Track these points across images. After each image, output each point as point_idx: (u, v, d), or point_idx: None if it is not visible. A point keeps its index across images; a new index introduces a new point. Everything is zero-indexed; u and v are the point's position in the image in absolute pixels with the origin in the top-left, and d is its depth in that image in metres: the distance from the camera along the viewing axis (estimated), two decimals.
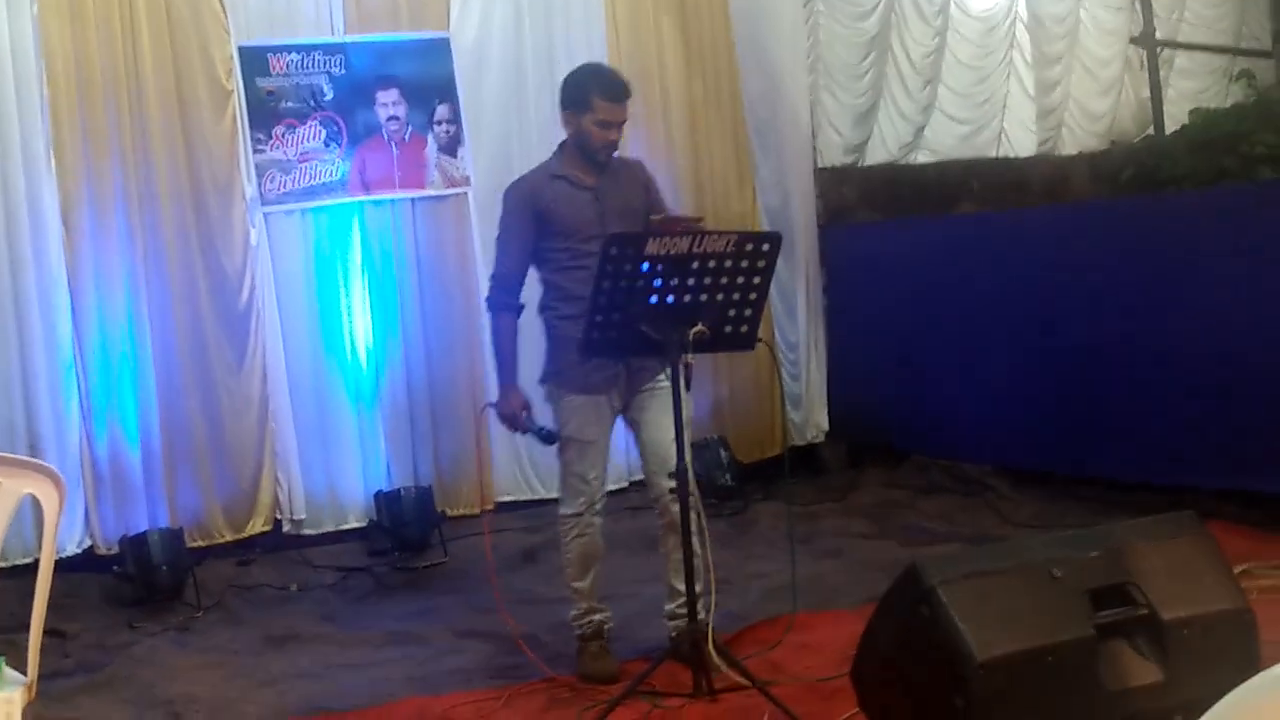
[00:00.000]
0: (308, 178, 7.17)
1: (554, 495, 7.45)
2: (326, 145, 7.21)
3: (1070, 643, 3.45)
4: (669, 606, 5.12)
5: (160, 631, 6.06)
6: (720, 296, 4.57)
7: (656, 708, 4.62)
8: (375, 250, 7.37)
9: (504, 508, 7.48)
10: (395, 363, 7.38)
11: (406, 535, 6.96)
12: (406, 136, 7.37)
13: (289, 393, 7.18)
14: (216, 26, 6.99)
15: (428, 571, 6.83)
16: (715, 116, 8.18)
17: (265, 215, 7.14)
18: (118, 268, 6.79)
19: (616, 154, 5.22)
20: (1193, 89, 10.54)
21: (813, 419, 8.39)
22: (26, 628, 3.28)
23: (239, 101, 7.05)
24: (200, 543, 6.89)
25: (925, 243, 8.13)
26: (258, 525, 7.09)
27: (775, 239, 4.72)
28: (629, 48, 7.82)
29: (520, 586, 6.29)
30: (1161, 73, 10.18)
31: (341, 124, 7.24)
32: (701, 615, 4.72)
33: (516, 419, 5.12)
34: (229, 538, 7.01)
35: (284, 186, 7.13)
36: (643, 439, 5.14)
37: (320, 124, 7.20)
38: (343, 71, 7.24)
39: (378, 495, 7.21)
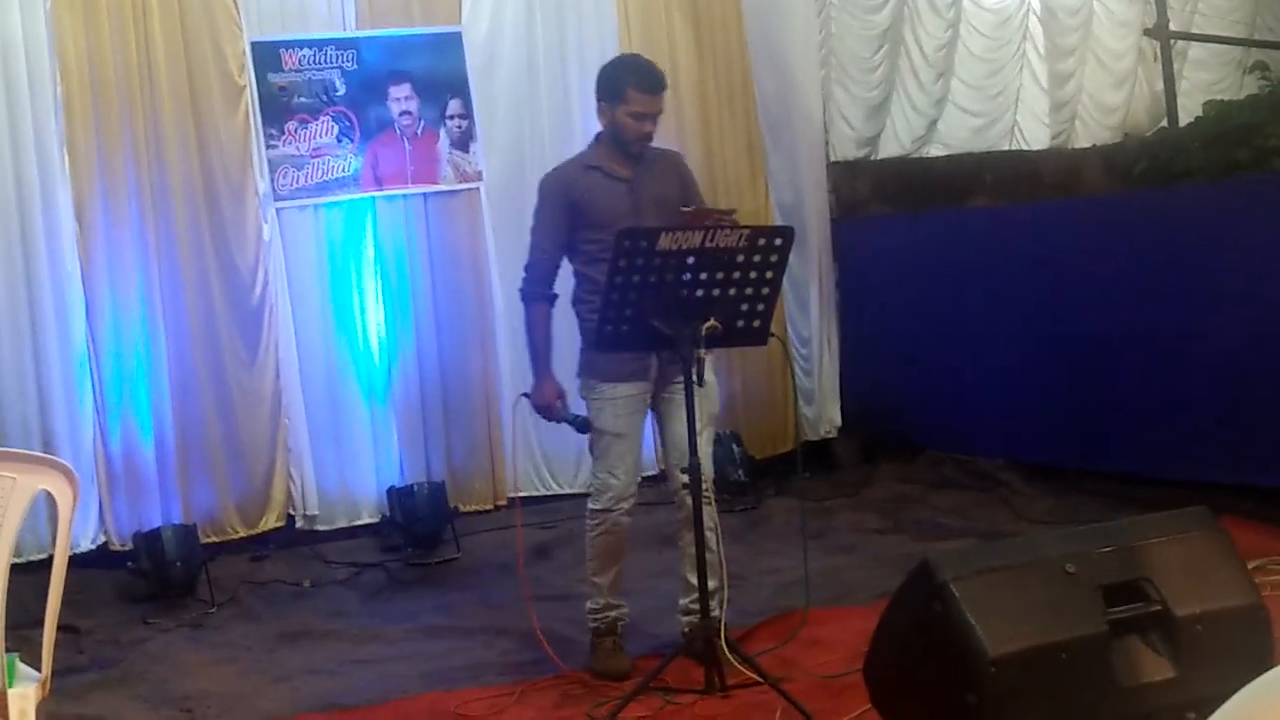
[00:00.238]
0: (320, 173, 7.18)
1: (567, 491, 7.56)
2: (339, 140, 7.22)
3: (1083, 639, 3.45)
4: (683, 601, 5.12)
5: (174, 627, 6.07)
6: (733, 291, 4.56)
7: (669, 704, 4.63)
8: (387, 245, 7.37)
9: (517, 503, 7.46)
10: (408, 358, 7.39)
11: (419, 531, 6.97)
12: (419, 131, 7.38)
13: (302, 388, 7.20)
14: (229, 22, 7.00)
15: (440, 567, 6.84)
16: (727, 111, 8.17)
17: (278, 211, 7.15)
18: (131, 263, 6.81)
19: (654, 145, 5.21)
20: (1206, 81, 10.49)
21: (825, 414, 8.38)
22: (40, 624, 3.28)
23: (251, 97, 7.06)
24: (214, 539, 6.91)
25: (938, 236, 8.12)
26: (271, 521, 7.12)
27: (788, 233, 4.71)
28: (641, 41, 7.80)
29: (533, 581, 6.28)
30: (1175, 65, 10.12)
31: (354, 119, 7.25)
32: (714, 611, 4.72)
33: (551, 408, 5.12)
34: (242, 534, 7.04)
35: (296, 182, 7.14)
36: (666, 430, 5.15)
37: (333, 119, 7.21)
38: (355, 67, 7.24)
39: (391, 491, 7.22)
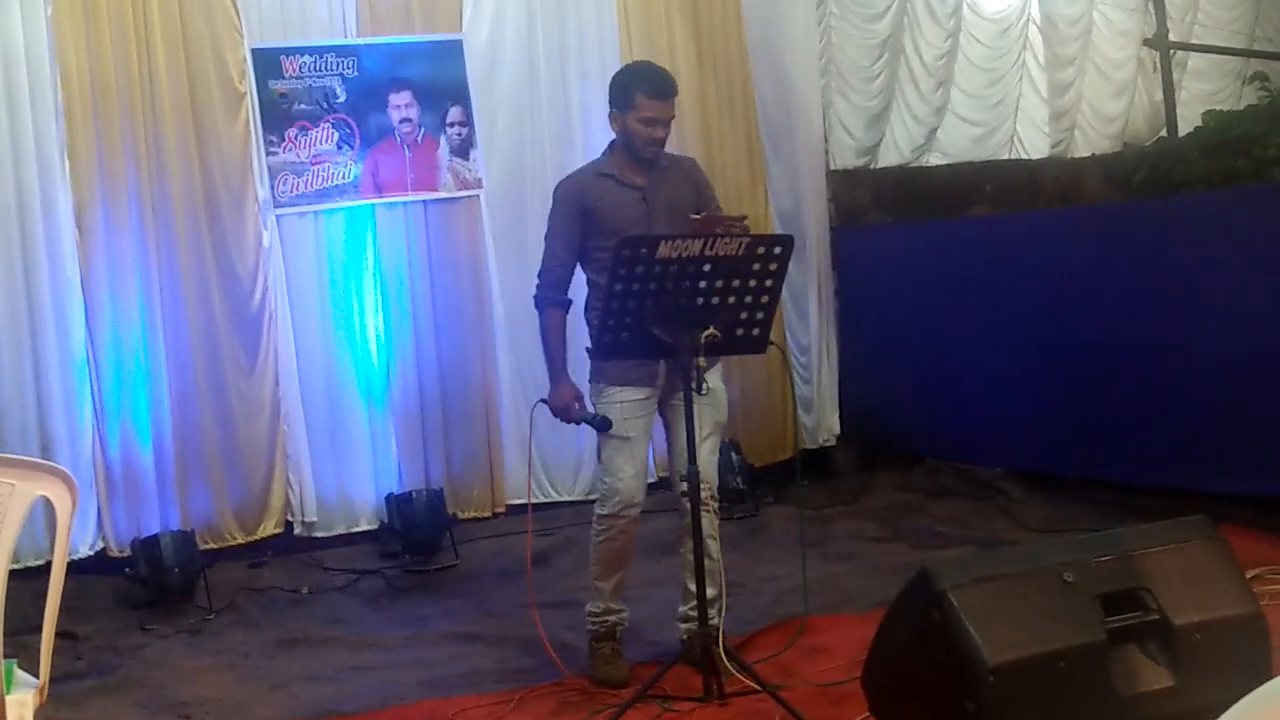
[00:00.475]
0: (320, 180, 7.19)
1: (566, 498, 7.55)
2: (339, 148, 7.22)
3: (1081, 647, 3.45)
4: (683, 608, 5.12)
5: (172, 634, 6.07)
6: (732, 299, 4.57)
7: (667, 711, 4.62)
8: (387, 253, 7.37)
9: (515, 510, 7.47)
10: (407, 365, 7.39)
11: (418, 538, 6.96)
12: (419, 139, 7.38)
13: (301, 395, 7.20)
14: (230, 29, 7.01)
15: (439, 574, 6.83)
16: (727, 119, 8.18)
17: (278, 217, 7.15)
18: (131, 270, 6.81)
19: (669, 151, 5.21)
20: (1206, 91, 10.50)
21: (824, 422, 8.38)
22: (38, 630, 3.28)
23: (252, 104, 7.07)
24: (212, 545, 6.91)
25: (937, 245, 8.12)
26: (269, 528, 7.12)
27: (787, 242, 4.70)
28: (641, 48, 7.80)
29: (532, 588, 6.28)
30: (1175, 75, 10.13)
31: (354, 126, 7.25)
32: (713, 619, 4.72)
33: (570, 410, 5.11)
34: (240, 540, 7.04)
35: (297, 189, 7.14)
36: (671, 439, 5.15)
37: (333, 126, 7.21)
38: (355, 74, 7.25)
39: (389, 498, 7.22)
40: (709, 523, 4.87)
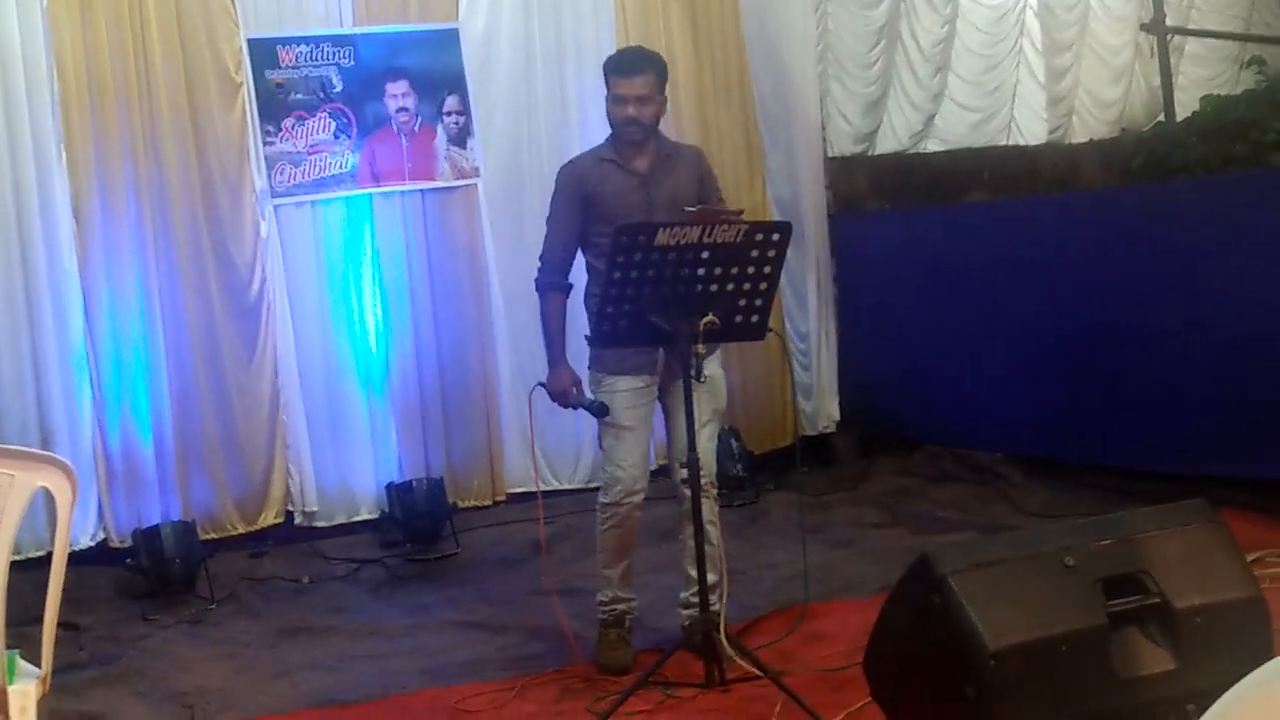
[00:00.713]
0: (317, 170, 7.18)
1: (566, 486, 7.56)
2: (336, 137, 7.22)
3: (1082, 631, 3.45)
4: (684, 595, 5.13)
5: (173, 624, 6.07)
6: (731, 287, 4.57)
7: (669, 697, 4.63)
8: (385, 242, 7.37)
9: (516, 499, 7.48)
10: (406, 354, 7.39)
11: (418, 527, 6.97)
12: (416, 128, 7.38)
13: (300, 385, 7.20)
14: (225, 19, 7.00)
15: (440, 563, 6.84)
16: (725, 107, 8.17)
17: (275, 207, 7.15)
18: (129, 261, 6.81)
19: (675, 139, 5.18)
20: (1204, 76, 10.49)
21: (824, 409, 8.38)
22: (40, 620, 3.28)
23: (248, 94, 7.06)
24: (212, 535, 6.92)
25: (936, 232, 8.12)
26: (270, 518, 7.13)
27: (785, 229, 4.70)
28: (637, 36, 7.79)
29: (532, 577, 6.28)
30: (1172, 59, 10.12)
31: (351, 116, 7.25)
32: (714, 605, 4.72)
33: (568, 395, 5.12)
34: (241, 530, 7.04)
35: (294, 179, 7.14)
36: (670, 426, 5.16)
37: (330, 116, 7.21)
38: (352, 63, 7.24)
39: (389, 487, 7.22)
40: (708, 509, 4.88)
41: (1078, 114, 9.89)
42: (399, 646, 5.63)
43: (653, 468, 6.70)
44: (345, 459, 7.31)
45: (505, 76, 7.61)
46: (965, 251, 7.66)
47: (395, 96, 7.33)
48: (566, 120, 7.65)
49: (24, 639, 3.42)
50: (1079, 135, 9.86)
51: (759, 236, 4.57)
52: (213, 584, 6.45)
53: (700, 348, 4.55)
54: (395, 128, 7.34)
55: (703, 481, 4.77)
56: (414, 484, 7.15)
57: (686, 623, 5.03)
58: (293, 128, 7.14)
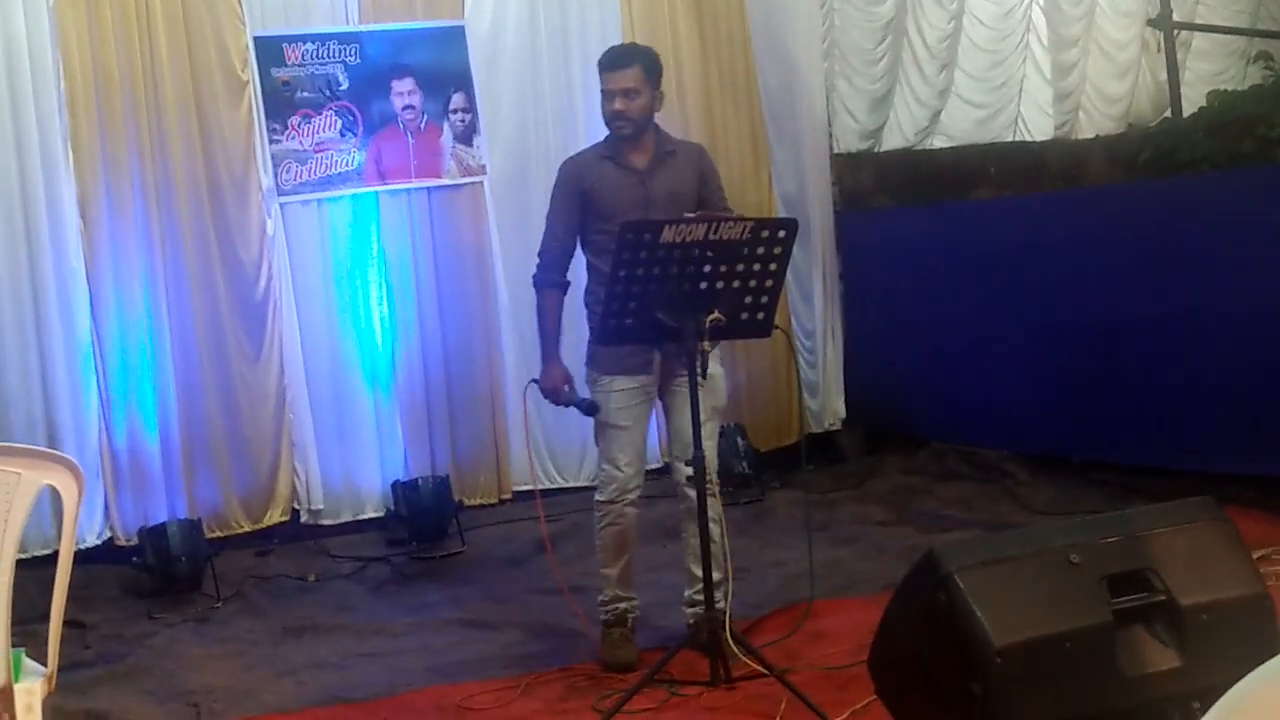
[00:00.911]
0: (324, 168, 7.18)
1: (571, 484, 7.56)
2: (342, 135, 7.22)
3: (1088, 629, 3.44)
4: (688, 593, 5.13)
5: (179, 622, 6.07)
6: (736, 284, 4.56)
7: (674, 695, 4.63)
8: (391, 240, 7.37)
9: (521, 497, 7.47)
10: (412, 352, 7.39)
11: (424, 525, 6.97)
12: (422, 125, 7.38)
13: (306, 383, 7.20)
14: (231, 17, 7.00)
15: (445, 561, 6.84)
16: (731, 103, 8.17)
17: (281, 206, 7.15)
18: (135, 260, 6.81)
19: (678, 136, 5.19)
20: (1210, 71, 10.48)
21: (830, 406, 8.38)
22: (46, 619, 3.29)
23: (254, 92, 7.07)
24: (218, 533, 6.91)
25: (942, 228, 8.11)
26: (275, 516, 7.12)
27: (791, 225, 4.70)
28: (643, 33, 7.79)
29: (536, 575, 6.29)
30: (1179, 55, 10.11)
31: (357, 114, 7.25)
32: (719, 603, 4.72)
33: (558, 392, 5.15)
34: (247, 528, 7.04)
35: (300, 177, 7.14)
36: (670, 423, 5.18)
37: (336, 114, 7.21)
38: (358, 61, 7.24)
39: (395, 485, 7.23)
40: (712, 507, 4.88)
41: (1084, 109, 9.88)
42: (404, 644, 5.63)
43: (656, 465, 6.75)
44: (351, 457, 7.31)
45: (511, 74, 7.61)
46: (971, 248, 7.65)
47: (401, 94, 7.33)
48: (573, 117, 7.65)
49: (30, 637, 3.43)
50: (1085, 131, 9.85)
51: (765, 233, 4.57)
52: (219, 582, 6.45)
53: (706, 344, 4.55)
54: (401, 125, 7.34)
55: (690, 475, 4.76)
56: (420, 482, 7.15)
57: (691, 621, 5.03)
58: (299, 126, 7.14)
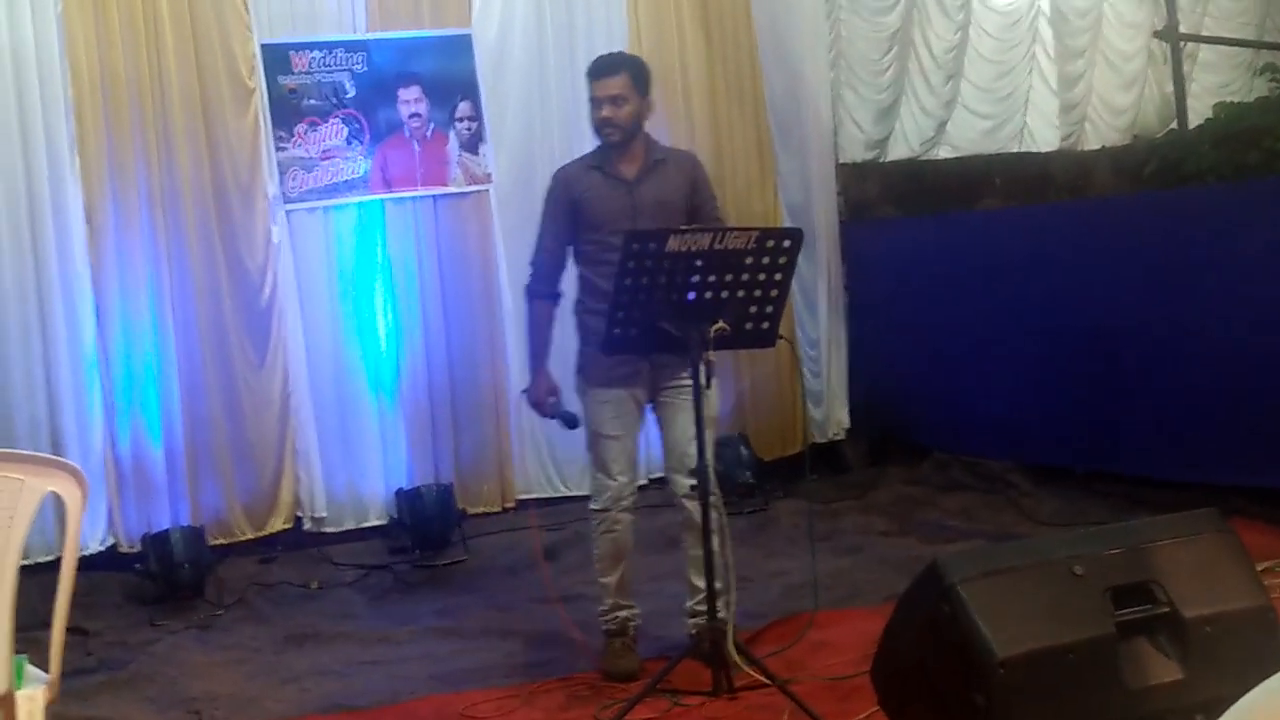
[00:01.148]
0: (330, 175, 7.19)
1: (575, 493, 7.55)
2: (348, 143, 7.23)
3: (1091, 640, 3.44)
4: (689, 604, 5.12)
5: (182, 629, 6.08)
6: (741, 293, 4.56)
7: (676, 705, 4.62)
8: (397, 248, 7.38)
9: (525, 505, 7.48)
10: (417, 360, 7.40)
11: (427, 533, 6.97)
12: (428, 134, 7.38)
13: (310, 390, 7.21)
14: (239, 24, 7.02)
15: (448, 569, 6.84)
16: (737, 113, 8.17)
17: (287, 213, 7.16)
18: (141, 266, 6.82)
19: (670, 146, 5.20)
20: (1216, 83, 10.47)
21: (834, 416, 8.37)
22: (49, 625, 3.29)
23: (261, 99, 7.08)
24: (221, 541, 6.91)
25: (947, 238, 8.11)
26: (279, 523, 7.12)
27: (796, 235, 4.70)
28: (651, 43, 7.82)
29: (539, 584, 6.27)
30: (1185, 66, 10.11)
31: (363, 121, 7.26)
32: (721, 613, 4.72)
33: (543, 405, 5.17)
34: (250, 535, 7.04)
35: (306, 184, 7.15)
36: (665, 437, 5.16)
37: (342, 121, 7.22)
38: (364, 69, 7.25)
39: (399, 493, 7.23)
40: (713, 518, 4.86)
41: (1090, 121, 9.89)
42: (407, 653, 5.63)
43: (657, 475, 6.75)
44: (355, 464, 7.31)
45: (518, 82, 7.62)
46: (976, 258, 7.65)
47: (408, 102, 7.34)
48: (579, 126, 7.58)
49: (33, 644, 3.43)
50: (1091, 142, 9.85)
51: (770, 243, 4.56)
52: (221, 589, 6.46)
53: (711, 354, 4.55)
54: (408, 133, 7.35)
55: (694, 485, 4.75)
56: (423, 490, 7.15)
57: (693, 630, 5.02)
58: (305, 133, 7.15)
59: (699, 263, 4.46)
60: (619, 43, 7.65)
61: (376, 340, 7.35)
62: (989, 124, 9.44)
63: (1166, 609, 3.53)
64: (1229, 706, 1.78)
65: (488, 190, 7.53)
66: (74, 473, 3.26)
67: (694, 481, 4.66)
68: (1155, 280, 6.66)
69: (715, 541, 4.78)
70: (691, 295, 4.49)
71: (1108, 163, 9.67)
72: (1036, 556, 3.68)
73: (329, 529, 7.21)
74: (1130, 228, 6.95)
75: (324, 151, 7.18)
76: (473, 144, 7.47)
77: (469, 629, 5.89)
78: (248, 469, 7.06)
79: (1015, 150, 9.54)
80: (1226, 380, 6.32)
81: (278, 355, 7.11)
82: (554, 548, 6.87)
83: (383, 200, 7.34)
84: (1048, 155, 9.60)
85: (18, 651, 3.22)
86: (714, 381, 4.96)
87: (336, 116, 7.21)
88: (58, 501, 3.24)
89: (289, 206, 7.14)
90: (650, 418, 5.22)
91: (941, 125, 9.18)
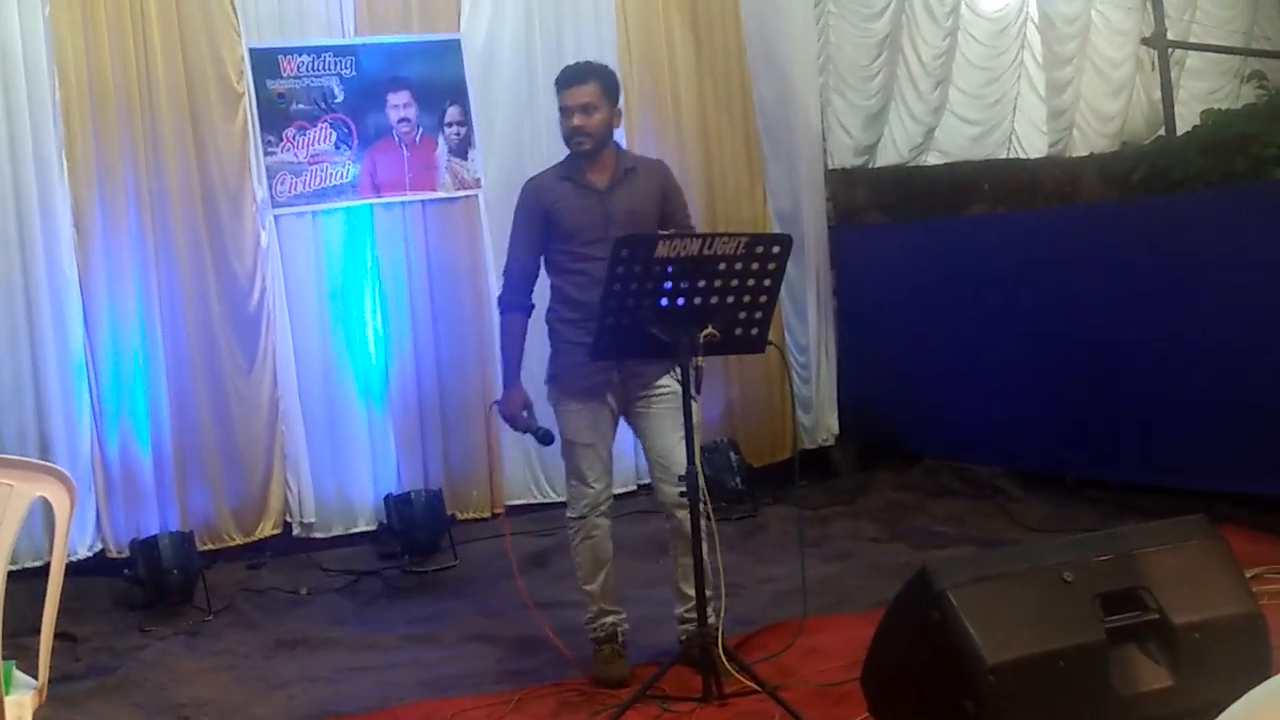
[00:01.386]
0: (318, 180, 7.18)
1: (563, 499, 7.54)
2: (337, 147, 7.22)
3: (1081, 647, 3.44)
4: (679, 610, 5.11)
5: (170, 635, 6.06)
6: (730, 299, 4.56)
7: (666, 712, 4.62)
8: (385, 253, 7.37)
9: (514, 511, 7.48)
10: (406, 365, 7.39)
11: (416, 539, 6.96)
12: (417, 138, 7.38)
13: (299, 395, 7.20)
14: (227, 28, 7.01)
15: (437, 575, 6.83)
16: (726, 119, 8.18)
17: (276, 217, 7.15)
18: (129, 270, 6.81)
19: (640, 155, 5.19)
20: (1204, 90, 10.50)
21: (823, 422, 8.38)
22: (37, 631, 3.28)
23: (250, 104, 7.07)
24: (210, 546, 6.91)
25: (936, 245, 8.12)
26: (268, 528, 7.12)
27: (786, 241, 4.70)
28: (639, 49, 7.83)
29: (529, 590, 6.26)
30: (1173, 73, 10.13)
31: (352, 126, 7.25)
32: (711, 619, 4.71)
33: (516, 419, 5.16)
34: (239, 541, 7.03)
35: (295, 189, 7.14)
36: (648, 445, 5.13)
37: (331, 126, 7.21)
38: (353, 73, 7.25)
39: (388, 498, 7.22)
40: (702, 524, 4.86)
41: (1078, 127, 9.90)
42: (396, 659, 5.62)
43: (646, 481, 6.75)
44: (344, 470, 7.30)
45: (506, 88, 7.62)
46: (965, 265, 7.66)
47: (397, 107, 7.33)
48: None
49: (21, 650, 3.42)
50: (1079, 148, 9.87)
51: (759, 249, 4.56)
52: (210, 595, 6.44)
53: (700, 360, 4.55)
54: (396, 138, 7.35)
55: (683, 494, 4.75)
56: (412, 495, 7.14)
57: (683, 637, 5.02)
58: (294, 138, 7.14)
59: (688, 268, 4.46)
60: (608, 48, 7.67)
61: (365, 345, 7.35)
62: (977, 130, 9.46)
63: (1156, 615, 3.54)
64: (1218, 713, 1.78)
65: (477, 195, 7.52)
66: (62, 478, 3.25)
67: (683, 489, 4.64)
68: (1144, 286, 6.67)
69: (705, 548, 4.78)
70: (681, 301, 4.48)
71: (1096, 169, 9.69)
72: (1026, 563, 3.69)
73: (318, 534, 7.20)
74: (1118, 234, 6.96)
75: (313, 156, 7.18)
76: (462, 149, 7.47)
77: (458, 635, 5.88)
78: (236, 474, 7.05)
79: (1004, 156, 9.56)
80: (1216, 386, 6.33)
81: (266, 360, 7.10)
82: (544, 554, 6.86)
83: (371, 205, 7.33)
84: (1036, 162, 9.61)
85: (6, 657, 3.21)
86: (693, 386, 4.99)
87: (325, 121, 7.20)
88: (46, 507, 3.23)
89: (277, 211, 7.14)
90: (626, 427, 5.22)
91: (930, 131, 9.19)
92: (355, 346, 7.33)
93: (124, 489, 6.79)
